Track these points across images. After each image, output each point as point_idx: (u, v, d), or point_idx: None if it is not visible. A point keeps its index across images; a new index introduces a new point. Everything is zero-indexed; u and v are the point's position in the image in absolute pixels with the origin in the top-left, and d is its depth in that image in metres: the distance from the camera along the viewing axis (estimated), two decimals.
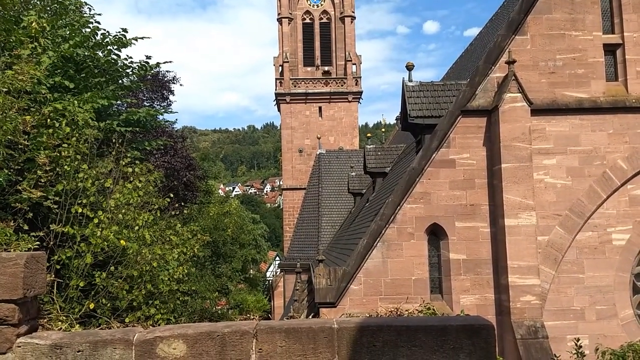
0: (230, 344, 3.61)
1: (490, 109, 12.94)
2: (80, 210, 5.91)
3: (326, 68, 43.92)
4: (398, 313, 8.47)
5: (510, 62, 12.70)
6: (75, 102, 7.34)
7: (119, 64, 9.49)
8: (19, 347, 3.67)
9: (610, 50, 13.50)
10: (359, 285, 12.85)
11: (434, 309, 9.41)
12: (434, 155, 13.11)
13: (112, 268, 5.99)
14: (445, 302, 12.96)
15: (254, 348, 3.61)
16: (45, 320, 4.90)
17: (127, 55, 9.67)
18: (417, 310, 9.19)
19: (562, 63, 13.20)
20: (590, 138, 13.16)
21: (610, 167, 13.08)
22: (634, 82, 13.27)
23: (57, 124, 6.28)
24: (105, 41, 9.12)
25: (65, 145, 6.17)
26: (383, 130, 44.20)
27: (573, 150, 13.12)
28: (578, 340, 9.17)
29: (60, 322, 4.97)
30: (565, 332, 12.38)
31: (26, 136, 6.02)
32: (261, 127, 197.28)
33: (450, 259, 12.96)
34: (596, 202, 13.02)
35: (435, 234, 13.22)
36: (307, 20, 44.56)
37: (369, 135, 38.36)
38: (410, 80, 15.51)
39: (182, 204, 15.32)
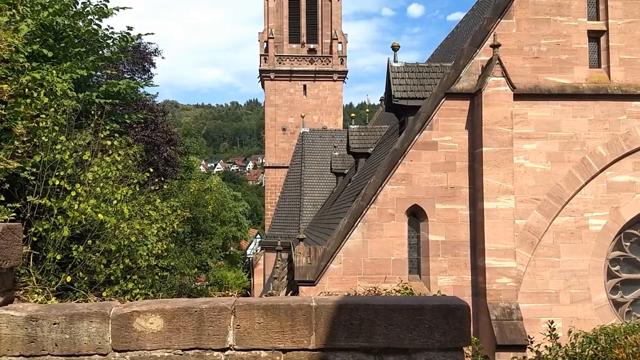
0: (208, 319, 3.60)
1: (474, 92, 12.96)
2: (57, 182, 5.83)
3: (312, 46, 43.50)
4: (376, 292, 8.55)
5: (495, 46, 12.70)
6: (54, 71, 7.20)
7: (100, 34, 9.32)
8: None
9: (594, 37, 13.56)
10: (339, 265, 12.93)
11: (411, 289, 9.52)
12: (416, 137, 13.13)
13: (90, 242, 5.94)
14: (423, 282, 13.10)
15: (231, 324, 3.61)
16: (21, 292, 4.85)
17: (108, 26, 9.50)
18: (395, 289, 9.28)
19: (547, 48, 13.24)
20: (571, 124, 13.28)
21: (589, 153, 13.23)
22: (616, 70, 13.38)
23: (35, 94, 6.16)
24: (85, 10, 8.94)
25: (43, 115, 6.06)
26: (367, 110, 44.13)
27: (553, 136, 13.23)
28: (552, 322, 9.32)
29: (36, 295, 4.93)
30: (539, 315, 12.61)
31: (3, 105, 5.90)
32: (244, 104, 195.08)
33: (429, 240, 13.07)
34: (574, 188, 13.19)
35: (416, 215, 13.31)
36: None
37: (353, 115, 38.26)
38: (395, 61, 15.47)
39: (162, 179, 15.17)
